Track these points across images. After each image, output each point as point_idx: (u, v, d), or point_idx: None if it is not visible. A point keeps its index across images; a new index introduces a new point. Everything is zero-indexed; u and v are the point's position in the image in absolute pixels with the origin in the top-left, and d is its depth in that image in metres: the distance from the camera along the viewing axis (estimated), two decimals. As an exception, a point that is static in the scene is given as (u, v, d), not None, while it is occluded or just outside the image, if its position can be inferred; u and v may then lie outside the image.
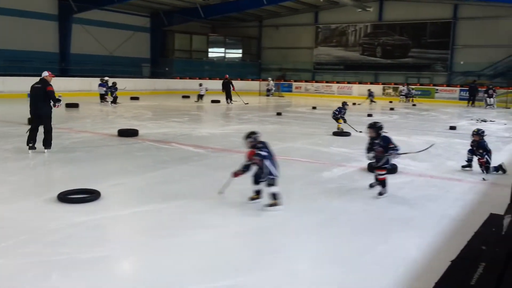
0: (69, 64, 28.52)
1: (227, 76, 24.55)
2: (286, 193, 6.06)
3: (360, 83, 33.16)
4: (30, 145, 8.31)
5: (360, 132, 11.11)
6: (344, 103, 12.77)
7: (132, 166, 7.55)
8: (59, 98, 8.41)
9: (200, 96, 23.79)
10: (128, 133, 10.60)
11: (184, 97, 26.85)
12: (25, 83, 24.37)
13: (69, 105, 17.71)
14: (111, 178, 6.59)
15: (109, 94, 20.10)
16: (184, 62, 36.09)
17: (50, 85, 8.39)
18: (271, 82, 31.92)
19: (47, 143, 8.34)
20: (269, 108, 22.74)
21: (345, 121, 12.25)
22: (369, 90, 26.62)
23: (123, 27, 32.20)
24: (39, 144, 8.35)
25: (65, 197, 5.27)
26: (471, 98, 25.76)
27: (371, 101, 25.63)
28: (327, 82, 34.17)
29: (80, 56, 29.08)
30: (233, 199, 5.68)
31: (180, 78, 33.55)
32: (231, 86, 23.51)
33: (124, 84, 21.82)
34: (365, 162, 7.77)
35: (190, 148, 9.29)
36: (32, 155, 8.11)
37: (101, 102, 20.17)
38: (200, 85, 24.59)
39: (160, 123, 13.64)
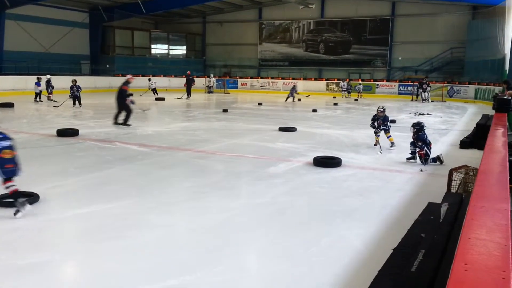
0: (2, 62, 26.97)
1: (190, 72, 26.93)
2: (234, 189, 6.07)
3: (304, 79, 33.76)
4: (114, 121, 12.21)
5: (378, 154, 8.62)
6: (380, 108, 9.55)
7: (73, 167, 7.25)
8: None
9: (153, 90, 25.87)
10: (67, 133, 10.18)
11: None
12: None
13: (3, 105, 16.79)
14: (50, 180, 6.29)
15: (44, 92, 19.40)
16: (126, 59, 35.11)
17: (126, 85, 12.63)
18: (212, 78, 31.78)
19: (125, 122, 12.21)
20: (215, 105, 22.64)
21: (376, 133, 9.36)
22: (294, 85, 25.76)
23: (60, 22, 30.85)
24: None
25: (0, 201, 4.97)
26: (419, 92, 26.34)
27: (290, 97, 24.08)
28: (272, 78, 34.52)
29: (14, 53, 27.56)
30: (179, 198, 5.61)
31: (122, 75, 32.58)
32: (192, 82, 26.06)
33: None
34: (310, 156, 7.93)
35: (135, 147, 9.06)
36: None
37: (35, 101, 19.43)
38: (149, 80, 26.70)
39: (102, 122, 13.22)
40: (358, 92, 28.34)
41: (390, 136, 9.43)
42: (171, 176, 6.83)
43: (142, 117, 16.07)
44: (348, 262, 3.76)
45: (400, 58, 32.71)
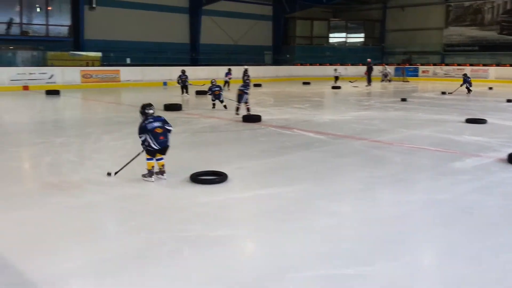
0: (198, 54, 30.30)
1: (370, 60, 26.57)
2: (412, 183, 5.78)
3: (497, 65, 30.02)
4: None
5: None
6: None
7: (255, 150, 7.80)
8: None
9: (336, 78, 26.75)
10: (252, 118, 10.98)
11: (304, 83, 26.88)
12: (161, 73, 26.64)
13: (199, 92, 18.85)
14: (236, 161, 6.88)
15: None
16: (304, 49, 36.09)
17: None
18: (387, 68, 30.39)
19: None
20: (393, 93, 21.74)
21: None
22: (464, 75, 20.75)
23: (246, 16, 33.20)
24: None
25: (197, 178, 5.61)
26: None
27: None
28: (458, 64, 31.53)
29: (208, 46, 30.70)
30: (352, 187, 5.57)
31: (301, 65, 33.66)
32: (371, 69, 26.11)
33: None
34: (504, 152, 7.07)
35: (311, 134, 9.29)
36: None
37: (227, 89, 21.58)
38: (335, 70, 27.45)
39: (282, 109, 13.86)
40: None
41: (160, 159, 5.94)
42: (345, 165, 6.83)
43: (319, 106, 16.38)
44: (551, 275, 3.26)
45: None
